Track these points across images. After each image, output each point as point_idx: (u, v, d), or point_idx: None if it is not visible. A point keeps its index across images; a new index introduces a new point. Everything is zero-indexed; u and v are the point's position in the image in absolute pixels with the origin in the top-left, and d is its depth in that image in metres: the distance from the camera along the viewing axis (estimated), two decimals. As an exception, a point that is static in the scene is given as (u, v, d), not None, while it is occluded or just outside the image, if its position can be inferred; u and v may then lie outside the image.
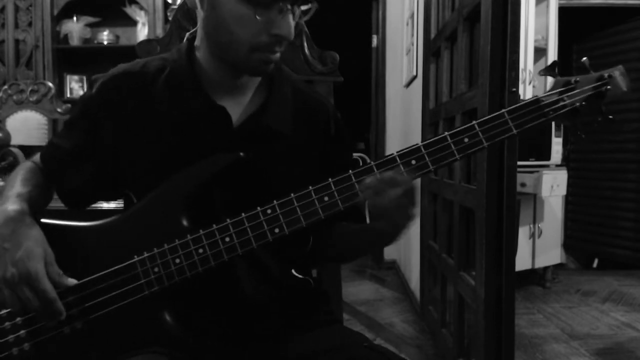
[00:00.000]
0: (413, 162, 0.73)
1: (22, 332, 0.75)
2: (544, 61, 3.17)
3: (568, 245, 3.96)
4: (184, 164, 0.78)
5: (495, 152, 1.49)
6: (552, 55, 3.17)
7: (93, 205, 0.92)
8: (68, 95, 3.81)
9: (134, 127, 0.82)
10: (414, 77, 2.96)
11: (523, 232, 3.07)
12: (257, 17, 0.72)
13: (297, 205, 0.74)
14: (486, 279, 1.52)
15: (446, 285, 2.17)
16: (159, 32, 3.57)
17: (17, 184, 0.82)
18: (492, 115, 0.73)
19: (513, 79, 1.43)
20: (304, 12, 0.77)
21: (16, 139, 2.28)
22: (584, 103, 0.73)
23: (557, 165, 3.04)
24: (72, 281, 0.74)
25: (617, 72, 0.74)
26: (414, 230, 2.89)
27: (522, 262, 3.04)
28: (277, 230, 0.74)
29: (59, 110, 3.03)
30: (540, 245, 3.16)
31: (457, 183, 1.92)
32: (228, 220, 0.74)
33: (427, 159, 0.73)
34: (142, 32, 3.69)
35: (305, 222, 0.74)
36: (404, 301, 3.01)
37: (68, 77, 3.84)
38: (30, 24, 3.69)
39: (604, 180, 3.86)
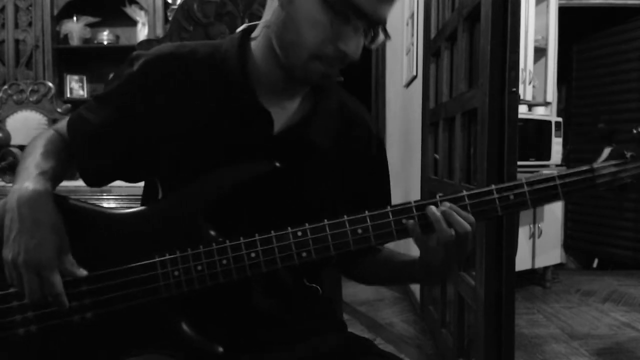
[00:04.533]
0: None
1: (29, 313, 0.74)
2: (544, 61, 3.18)
3: (568, 245, 3.97)
4: (216, 163, 0.75)
5: (495, 152, 1.49)
6: (552, 55, 3.17)
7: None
8: (68, 95, 3.81)
9: (171, 114, 0.77)
10: (414, 77, 2.96)
11: (523, 232, 3.07)
12: (332, 26, 0.70)
13: (329, 233, 0.71)
14: (486, 279, 1.52)
15: (446, 285, 2.17)
16: (159, 32, 3.57)
17: (39, 157, 0.77)
18: (543, 178, 0.71)
19: (513, 79, 1.43)
20: (372, 40, 0.75)
21: (16, 139, 2.29)
22: (633, 180, 0.72)
23: (557, 165, 3.05)
24: (83, 272, 0.72)
25: None
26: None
27: (522, 262, 3.04)
28: (304, 255, 0.72)
29: (59, 110, 3.03)
30: (540, 245, 3.16)
31: (457, 183, 1.92)
32: (257, 236, 0.72)
33: (469, 209, 0.71)
34: (142, 32, 3.69)
35: (334, 252, 0.72)
36: (404, 301, 3.00)
37: (68, 77, 3.84)
38: (30, 24, 3.69)
39: (604, 180, 3.86)
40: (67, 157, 0.81)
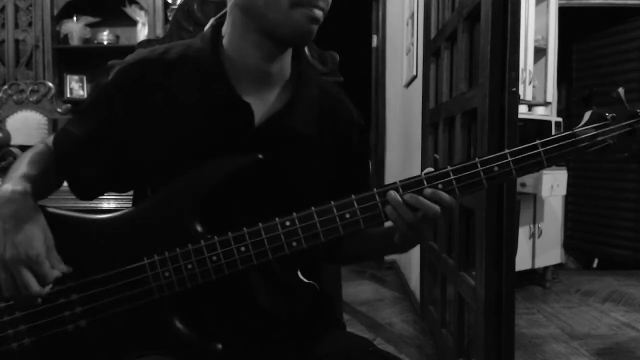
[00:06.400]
0: (440, 186, 0.71)
1: (21, 327, 0.73)
2: (544, 61, 3.17)
3: (568, 245, 3.96)
4: (200, 160, 0.74)
5: (495, 152, 1.48)
6: (552, 55, 3.17)
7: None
8: (68, 95, 3.81)
9: (150, 117, 0.77)
10: (414, 77, 2.96)
11: (523, 232, 3.07)
12: None
13: (317, 221, 0.71)
14: (486, 279, 1.52)
15: (446, 285, 2.17)
16: (159, 32, 3.57)
17: (24, 165, 0.78)
18: (525, 146, 0.71)
19: (513, 79, 1.43)
20: None
21: (16, 139, 2.29)
22: (615, 141, 0.71)
23: (557, 165, 3.04)
24: (66, 268, 0.72)
25: None
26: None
27: (522, 262, 3.04)
28: (295, 244, 0.71)
29: (59, 110, 3.03)
30: (540, 245, 3.16)
31: (457, 183, 1.92)
32: (245, 230, 0.72)
33: (454, 184, 0.71)
34: (142, 32, 3.69)
35: (324, 238, 0.71)
36: (404, 301, 3.00)
37: (68, 77, 3.84)
38: (30, 24, 3.69)
39: (604, 180, 3.86)
40: (53, 167, 0.82)
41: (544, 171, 2.86)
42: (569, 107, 4.34)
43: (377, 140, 3.97)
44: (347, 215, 0.71)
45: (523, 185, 2.91)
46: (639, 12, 3.58)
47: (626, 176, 3.70)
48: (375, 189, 0.71)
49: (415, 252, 2.82)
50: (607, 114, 0.72)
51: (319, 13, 0.73)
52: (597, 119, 0.72)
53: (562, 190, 2.94)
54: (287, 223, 0.71)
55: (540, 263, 3.18)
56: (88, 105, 0.83)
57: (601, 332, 2.47)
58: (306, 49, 1.41)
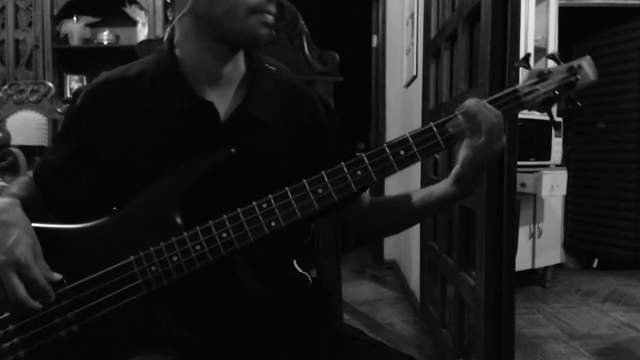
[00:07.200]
0: (402, 152, 0.76)
1: (16, 339, 0.74)
2: (544, 61, 3.17)
3: (568, 245, 3.96)
4: (176, 164, 0.78)
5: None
6: (552, 55, 3.17)
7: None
8: (68, 95, 3.80)
9: (122, 134, 0.82)
10: (414, 77, 2.96)
11: (523, 232, 3.07)
12: None
13: (292, 198, 0.75)
14: (486, 279, 1.52)
15: (446, 285, 2.17)
16: (159, 32, 3.57)
17: (13, 188, 0.84)
18: (481, 102, 0.77)
19: (513, 79, 1.43)
20: None
21: (16, 139, 2.29)
22: (556, 92, 0.78)
23: (557, 165, 3.05)
24: (57, 276, 0.74)
25: (585, 63, 0.79)
26: (414, 230, 2.89)
27: (522, 262, 3.04)
28: (273, 224, 0.75)
29: (59, 110, 3.04)
30: (540, 245, 3.16)
31: (457, 183, 1.92)
32: (224, 216, 0.75)
33: (414, 149, 0.76)
34: (142, 32, 3.69)
35: (300, 215, 0.75)
36: (404, 301, 3.01)
37: (68, 77, 3.84)
38: (30, 24, 3.69)
39: (604, 180, 3.86)
40: (38, 197, 0.86)
41: (544, 171, 2.86)
42: (568, 107, 4.34)
43: (377, 140, 3.96)
44: (320, 190, 0.75)
45: (523, 185, 2.91)
46: (639, 12, 3.58)
47: (626, 176, 3.70)
48: (342, 163, 0.76)
49: (415, 252, 2.82)
50: (544, 70, 0.79)
51: (271, 18, 0.80)
52: (535, 76, 0.79)
53: (562, 190, 2.94)
54: (264, 205, 0.75)
55: (540, 263, 3.18)
56: (62, 133, 0.88)
57: (601, 332, 2.47)
58: (306, 49, 1.41)
